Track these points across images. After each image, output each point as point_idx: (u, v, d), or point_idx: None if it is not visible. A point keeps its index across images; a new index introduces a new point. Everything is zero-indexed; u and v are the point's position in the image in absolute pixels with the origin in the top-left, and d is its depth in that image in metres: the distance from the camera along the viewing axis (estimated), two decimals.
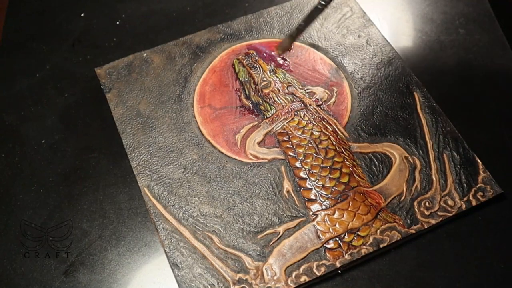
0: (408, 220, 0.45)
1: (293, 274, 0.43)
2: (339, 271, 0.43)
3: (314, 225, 0.45)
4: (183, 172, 0.48)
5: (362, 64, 0.55)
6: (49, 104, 0.54)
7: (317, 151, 0.49)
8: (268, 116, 0.51)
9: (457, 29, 0.59)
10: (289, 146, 0.49)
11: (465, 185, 0.47)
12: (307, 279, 0.42)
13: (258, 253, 0.44)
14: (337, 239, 0.44)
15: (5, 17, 0.62)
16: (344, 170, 0.48)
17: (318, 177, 0.47)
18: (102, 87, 0.54)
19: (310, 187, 0.47)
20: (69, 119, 0.53)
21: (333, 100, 0.53)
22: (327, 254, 0.43)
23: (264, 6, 0.61)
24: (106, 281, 0.44)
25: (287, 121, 0.51)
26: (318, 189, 0.47)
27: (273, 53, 0.55)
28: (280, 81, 0.54)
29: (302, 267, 0.43)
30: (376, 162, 0.48)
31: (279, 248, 0.44)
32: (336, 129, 0.50)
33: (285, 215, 0.46)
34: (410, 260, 0.44)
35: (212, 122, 0.51)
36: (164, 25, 0.61)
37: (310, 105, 0.52)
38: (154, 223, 0.46)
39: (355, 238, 0.44)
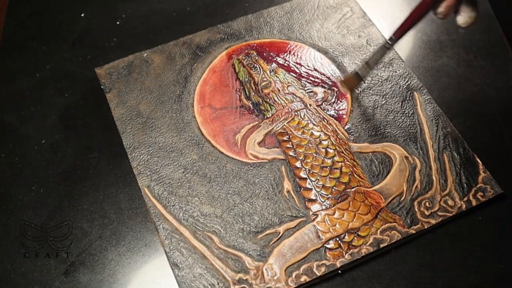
0: (408, 220, 0.45)
1: (293, 274, 0.43)
2: (339, 271, 0.43)
3: (314, 225, 0.45)
4: (183, 172, 0.48)
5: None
6: (49, 104, 0.54)
7: (317, 151, 0.49)
8: (268, 116, 0.51)
9: (457, 29, 0.59)
10: (289, 146, 0.49)
11: (465, 185, 0.47)
12: (307, 279, 0.42)
13: (258, 253, 0.44)
14: (337, 239, 0.44)
15: (5, 17, 0.62)
16: (344, 170, 0.48)
17: (318, 177, 0.47)
18: (102, 87, 0.54)
19: (310, 187, 0.47)
20: (69, 119, 0.53)
21: (333, 100, 0.53)
22: (327, 254, 0.43)
23: (264, 6, 0.61)
24: (106, 281, 0.44)
25: (287, 121, 0.51)
26: (318, 189, 0.47)
27: (338, 89, 0.53)
28: (280, 81, 0.54)
29: (302, 267, 0.43)
30: (376, 162, 0.48)
31: (279, 248, 0.44)
32: (336, 129, 0.50)
33: (285, 215, 0.46)
34: (410, 260, 0.44)
35: (212, 122, 0.51)
36: (164, 25, 0.61)
37: (310, 105, 0.52)
38: (154, 223, 0.46)
39: (355, 238, 0.44)
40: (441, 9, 0.43)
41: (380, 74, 0.54)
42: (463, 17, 0.43)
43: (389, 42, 0.47)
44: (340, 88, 0.53)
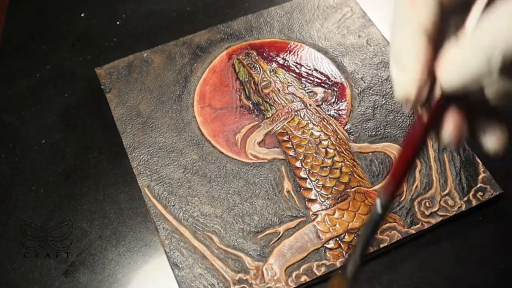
0: (408, 220, 0.45)
1: (293, 274, 0.43)
2: (339, 271, 0.43)
3: (314, 225, 0.45)
4: (183, 172, 0.48)
5: (363, 64, 0.55)
6: (49, 104, 0.54)
7: (317, 151, 0.49)
8: (268, 116, 0.51)
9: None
10: (289, 146, 0.49)
11: (465, 185, 0.47)
12: (307, 279, 0.42)
13: (258, 253, 0.44)
14: (337, 239, 0.44)
15: (5, 17, 0.62)
16: (344, 170, 0.48)
17: (318, 177, 0.47)
18: (102, 87, 0.54)
19: (310, 187, 0.47)
20: (69, 119, 0.53)
21: (333, 100, 0.53)
22: (327, 254, 0.43)
23: (264, 6, 0.61)
24: (106, 281, 0.44)
25: (287, 121, 0.51)
26: (318, 189, 0.47)
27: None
28: (280, 81, 0.54)
29: (302, 267, 0.43)
30: (376, 162, 0.48)
31: (279, 248, 0.44)
32: (336, 129, 0.50)
33: (285, 215, 0.46)
34: (410, 260, 0.44)
35: (212, 122, 0.51)
36: (164, 25, 0.61)
37: (310, 105, 0.52)
38: (154, 223, 0.46)
39: (355, 238, 0.44)
40: (447, 134, 0.25)
41: (380, 74, 0.54)
42: (491, 140, 0.25)
43: (379, 212, 0.27)
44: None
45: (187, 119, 0.51)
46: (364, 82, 0.54)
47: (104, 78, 0.54)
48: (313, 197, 0.46)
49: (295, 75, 0.54)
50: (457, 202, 0.46)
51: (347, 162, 0.48)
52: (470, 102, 0.23)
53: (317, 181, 0.47)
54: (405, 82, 0.23)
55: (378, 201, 0.27)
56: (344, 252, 0.43)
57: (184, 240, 0.44)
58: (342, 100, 0.53)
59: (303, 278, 0.42)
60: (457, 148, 0.48)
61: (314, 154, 0.49)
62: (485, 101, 0.22)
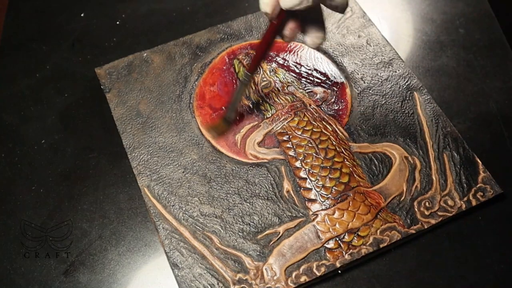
0: (408, 220, 0.45)
1: (293, 274, 0.43)
2: (339, 271, 0.43)
3: (314, 225, 0.45)
4: (183, 172, 0.48)
5: (362, 64, 0.55)
6: (49, 104, 0.54)
7: (317, 151, 0.49)
8: (268, 116, 0.51)
9: (457, 29, 0.59)
10: (289, 146, 0.49)
11: (465, 185, 0.47)
12: (307, 279, 0.42)
13: (258, 253, 0.44)
14: (337, 239, 0.44)
15: (5, 17, 0.62)
16: (344, 170, 0.48)
17: (318, 177, 0.47)
18: (102, 87, 0.54)
19: (310, 187, 0.47)
20: (69, 119, 0.53)
21: (333, 100, 0.53)
22: (327, 254, 0.43)
23: None
24: (106, 281, 0.44)
25: (287, 121, 0.51)
26: (318, 189, 0.47)
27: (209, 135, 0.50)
28: (280, 81, 0.54)
29: (302, 267, 0.43)
30: (376, 162, 0.48)
31: (279, 248, 0.44)
32: (336, 129, 0.50)
33: (285, 215, 0.46)
34: (410, 260, 0.44)
35: (212, 122, 0.51)
36: (164, 25, 0.61)
37: (310, 105, 0.52)
38: (154, 223, 0.46)
39: (355, 238, 0.44)
40: (286, 32, 0.42)
41: (380, 74, 0.54)
42: (310, 38, 0.44)
43: (246, 79, 0.47)
44: (208, 134, 0.50)
45: (187, 119, 0.51)
46: (364, 82, 0.54)
47: (104, 78, 0.54)
48: (313, 197, 0.46)
49: (295, 75, 0.54)
50: (457, 202, 0.46)
51: (347, 162, 0.48)
52: (299, 15, 0.41)
53: (317, 181, 0.47)
54: (266, 3, 0.40)
55: (245, 73, 0.47)
56: (344, 252, 0.43)
57: (184, 240, 0.44)
58: (342, 100, 0.53)
59: (303, 278, 0.42)
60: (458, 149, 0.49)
61: (314, 154, 0.49)
62: (309, 13, 0.41)
